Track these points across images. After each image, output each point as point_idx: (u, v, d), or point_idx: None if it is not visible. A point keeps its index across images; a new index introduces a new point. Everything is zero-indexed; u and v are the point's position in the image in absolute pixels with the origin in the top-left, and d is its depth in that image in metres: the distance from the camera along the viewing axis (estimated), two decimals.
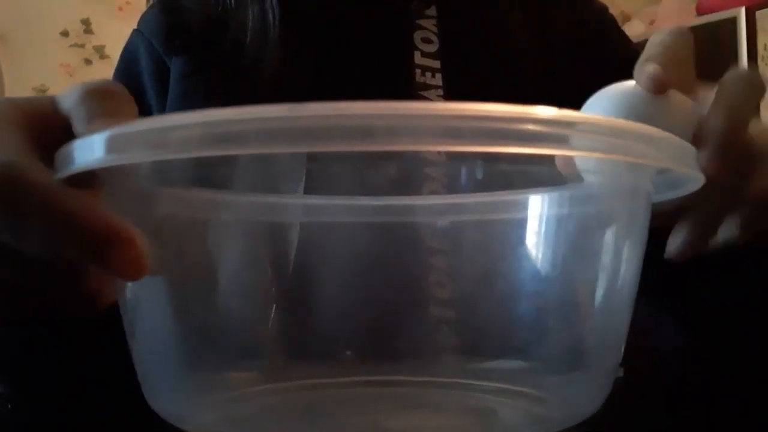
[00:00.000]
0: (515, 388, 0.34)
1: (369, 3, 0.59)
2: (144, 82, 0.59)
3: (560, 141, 0.23)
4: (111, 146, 0.23)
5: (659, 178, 0.32)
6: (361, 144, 0.21)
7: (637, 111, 0.35)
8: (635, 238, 0.33)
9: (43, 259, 0.28)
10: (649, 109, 0.35)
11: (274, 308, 0.35)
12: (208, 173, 0.32)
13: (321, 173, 0.36)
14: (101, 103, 0.29)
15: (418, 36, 0.58)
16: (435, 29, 0.58)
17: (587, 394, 0.33)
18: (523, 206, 0.35)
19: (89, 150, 0.24)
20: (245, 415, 0.32)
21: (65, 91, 0.31)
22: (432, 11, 0.59)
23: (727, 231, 0.37)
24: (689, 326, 0.49)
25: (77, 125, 0.28)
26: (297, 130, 0.20)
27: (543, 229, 0.34)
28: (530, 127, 0.22)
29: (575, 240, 0.35)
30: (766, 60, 2.35)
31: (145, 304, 0.29)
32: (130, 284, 0.29)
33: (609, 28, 0.66)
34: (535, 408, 0.34)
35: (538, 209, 0.35)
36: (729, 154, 0.33)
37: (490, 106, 0.22)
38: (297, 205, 0.36)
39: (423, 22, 0.58)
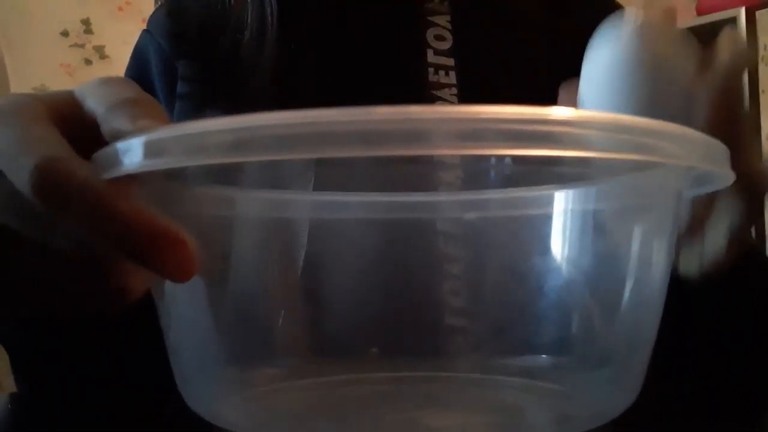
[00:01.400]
0: (543, 385, 0.34)
1: (378, 1, 0.58)
2: (154, 82, 0.59)
3: (581, 142, 0.23)
4: (170, 148, 0.23)
5: (689, 173, 0.32)
6: (420, 149, 0.21)
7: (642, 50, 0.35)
8: (665, 234, 0.33)
9: (68, 255, 0.27)
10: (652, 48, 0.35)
11: (303, 305, 0.35)
12: (217, 177, 0.31)
13: (329, 176, 0.36)
14: (140, 108, 0.28)
15: (430, 33, 0.57)
16: (448, 26, 0.57)
17: (615, 392, 0.33)
18: (548, 202, 0.35)
19: (138, 152, 0.23)
20: (282, 411, 0.32)
21: (84, 87, 0.30)
22: (444, 7, 0.58)
23: (714, 237, 0.36)
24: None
25: (118, 124, 0.27)
26: (353, 133, 0.20)
27: (568, 226, 0.34)
28: (549, 128, 0.22)
29: (601, 237, 0.35)
30: (766, 60, 2.35)
31: (181, 301, 0.29)
32: (166, 289, 0.29)
33: None
34: (563, 406, 0.34)
35: (562, 205, 0.35)
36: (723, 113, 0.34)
37: (508, 109, 0.22)
38: (322, 202, 0.36)
39: (436, 19, 0.57)
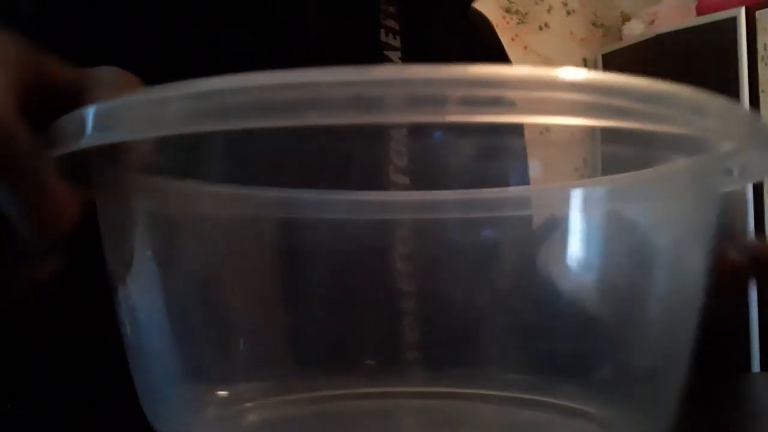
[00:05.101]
0: (564, 404, 0.31)
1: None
2: None
3: (597, 110, 0.19)
4: (126, 118, 0.20)
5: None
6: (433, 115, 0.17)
7: None
8: (700, 235, 0.29)
9: None
10: None
11: (279, 315, 0.31)
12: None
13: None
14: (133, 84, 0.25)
15: None
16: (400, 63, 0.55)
17: (647, 413, 0.29)
18: (567, 200, 0.31)
19: (90, 122, 0.21)
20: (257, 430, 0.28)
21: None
22: (397, 43, 0.55)
23: None
24: None
25: (100, 94, 0.24)
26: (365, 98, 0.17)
27: (588, 228, 0.31)
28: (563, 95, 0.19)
29: (626, 240, 0.31)
30: (766, 60, 2.33)
31: (141, 315, 0.26)
32: (127, 294, 0.25)
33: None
34: (589, 427, 0.30)
35: (583, 204, 0.31)
36: None
37: (516, 70, 0.18)
38: (291, 199, 0.32)
39: (390, 54, 0.55)
